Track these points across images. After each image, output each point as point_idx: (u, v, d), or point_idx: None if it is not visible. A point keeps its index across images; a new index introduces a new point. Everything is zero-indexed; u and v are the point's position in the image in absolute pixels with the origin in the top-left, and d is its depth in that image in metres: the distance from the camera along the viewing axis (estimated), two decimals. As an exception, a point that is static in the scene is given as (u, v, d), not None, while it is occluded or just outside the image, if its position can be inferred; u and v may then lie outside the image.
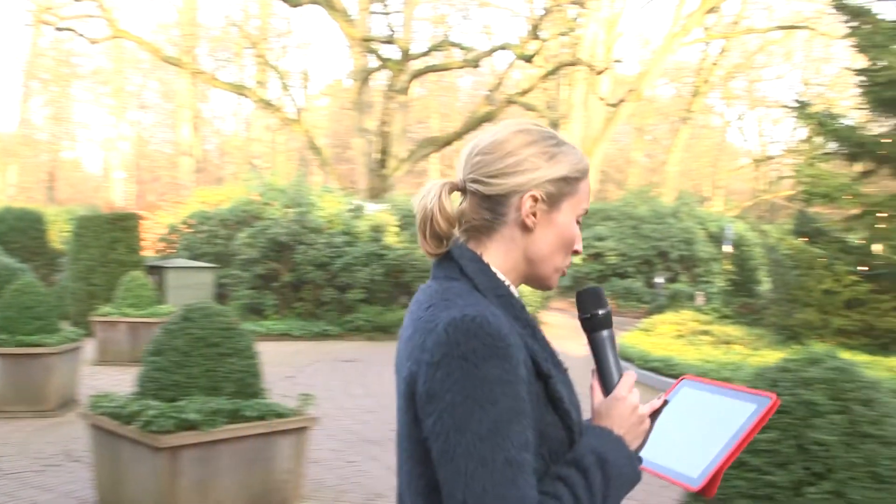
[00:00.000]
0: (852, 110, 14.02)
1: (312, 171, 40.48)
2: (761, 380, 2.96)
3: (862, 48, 12.88)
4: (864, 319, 11.96)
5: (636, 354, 12.18)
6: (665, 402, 1.56)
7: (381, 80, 30.56)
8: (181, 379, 5.36)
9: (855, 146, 12.97)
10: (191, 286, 15.76)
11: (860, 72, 12.98)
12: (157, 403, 5.14)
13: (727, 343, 12.67)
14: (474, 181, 1.52)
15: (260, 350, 5.88)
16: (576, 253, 1.57)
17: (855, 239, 13.06)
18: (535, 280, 1.56)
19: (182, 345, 5.44)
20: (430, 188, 1.54)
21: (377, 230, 17.04)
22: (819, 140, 13.99)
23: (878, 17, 12.84)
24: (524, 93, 30.20)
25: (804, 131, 14.12)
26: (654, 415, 1.53)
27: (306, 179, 21.90)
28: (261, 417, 5.33)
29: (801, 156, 18.76)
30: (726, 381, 9.00)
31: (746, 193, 45.87)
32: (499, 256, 1.52)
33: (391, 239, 16.86)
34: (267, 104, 31.87)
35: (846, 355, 10.55)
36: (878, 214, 12.54)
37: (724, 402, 1.52)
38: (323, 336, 15.91)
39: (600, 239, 22.27)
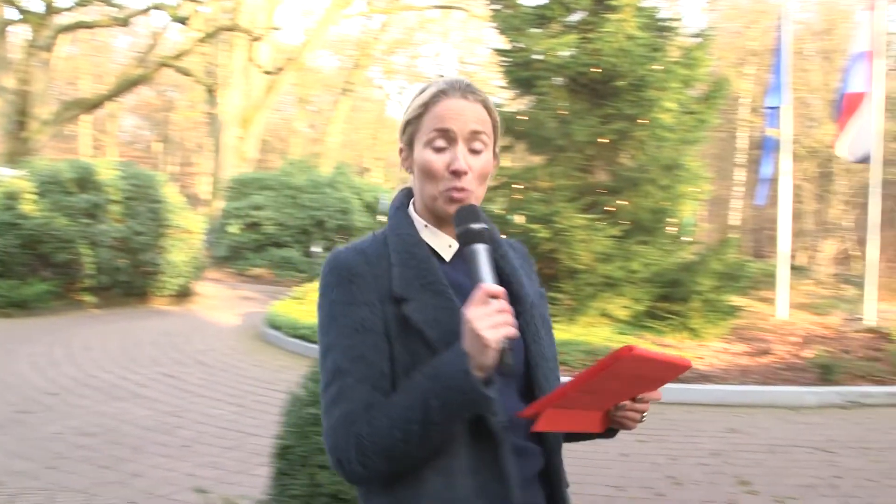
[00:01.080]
0: (500, 89, 14.76)
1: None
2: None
3: (503, 30, 13.58)
4: (501, 284, 12.69)
5: (285, 322, 12.14)
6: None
7: (22, 34, 28.13)
8: None
9: (496, 122, 13.69)
10: None
11: (502, 53, 13.70)
12: None
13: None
14: None
15: None
16: (455, 173, 1.65)
17: (496, 209, 13.80)
18: (435, 213, 1.72)
19: None
20: None
21: (12, 198, 15.62)
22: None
23: (518, 2, 13.64)
24: (179, 56, 29.08)
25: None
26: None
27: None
28: None
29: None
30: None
31: (405, 165, 47.38)
32: (415, 202, 1.77)
33: (28, 207, 15.53)
34: None
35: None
36: (514, 186, 13.35)
37: None
38: (-52, 314, 14.35)
39: (258, 208, 21.91)
